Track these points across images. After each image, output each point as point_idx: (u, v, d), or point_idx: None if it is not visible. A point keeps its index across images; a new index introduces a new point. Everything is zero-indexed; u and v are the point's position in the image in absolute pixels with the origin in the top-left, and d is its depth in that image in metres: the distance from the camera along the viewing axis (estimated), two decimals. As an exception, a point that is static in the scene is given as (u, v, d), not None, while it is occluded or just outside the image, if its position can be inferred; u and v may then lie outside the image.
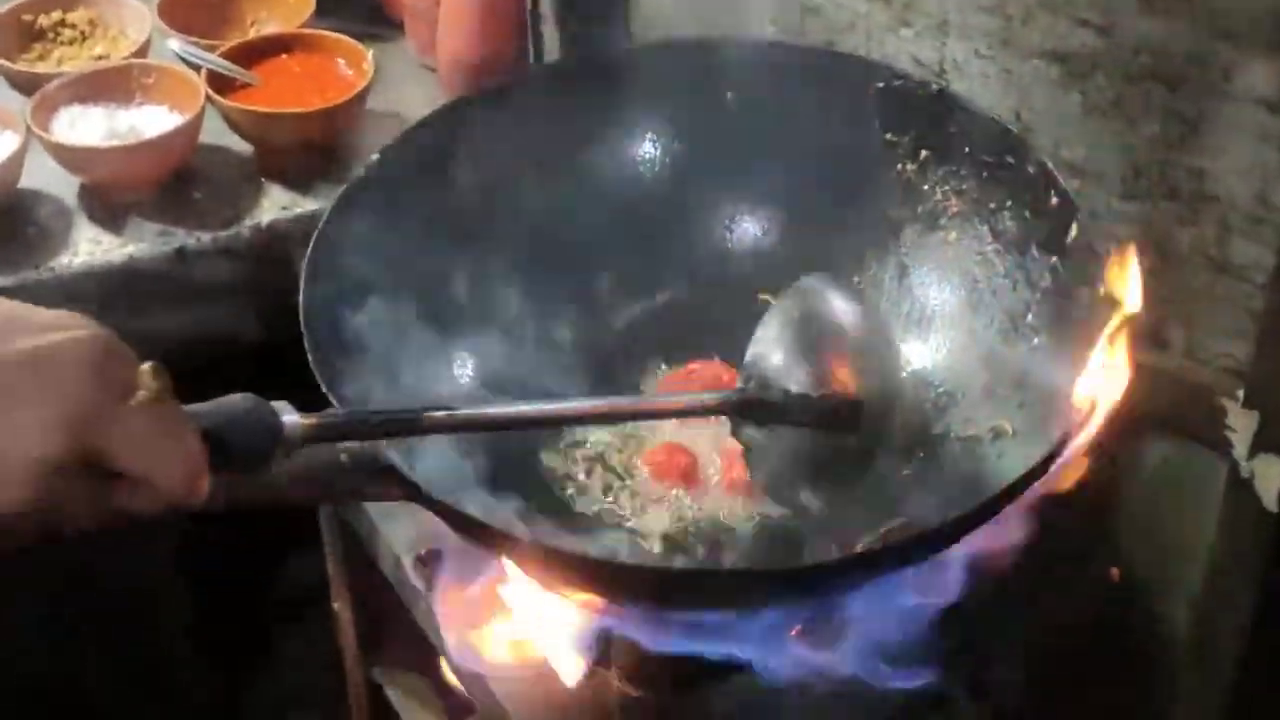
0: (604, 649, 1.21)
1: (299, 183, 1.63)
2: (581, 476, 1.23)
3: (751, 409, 1.10)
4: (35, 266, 1.52)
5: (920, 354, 1.24)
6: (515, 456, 1.21)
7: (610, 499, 1.21)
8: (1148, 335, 1.30)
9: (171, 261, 1.55)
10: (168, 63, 1.67)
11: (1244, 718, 1.35)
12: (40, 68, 1.71)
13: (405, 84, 1.75)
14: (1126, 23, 1.20)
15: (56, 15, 1.77)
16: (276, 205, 1.61)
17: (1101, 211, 1.28)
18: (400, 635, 1.35)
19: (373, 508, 1.28)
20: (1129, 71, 1.22)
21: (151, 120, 1.61)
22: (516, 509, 1.15)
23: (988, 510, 1.00)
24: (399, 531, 1.25)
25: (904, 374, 1.22)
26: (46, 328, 0.79)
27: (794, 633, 1.10)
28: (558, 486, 1.23)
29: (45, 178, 1.61)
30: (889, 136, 1.25)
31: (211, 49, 1.67)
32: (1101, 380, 1.05)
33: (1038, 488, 1.03)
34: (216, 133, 1.65)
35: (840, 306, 1.13)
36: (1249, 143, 1.18)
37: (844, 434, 1.09)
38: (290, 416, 0.87)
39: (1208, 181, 1.22)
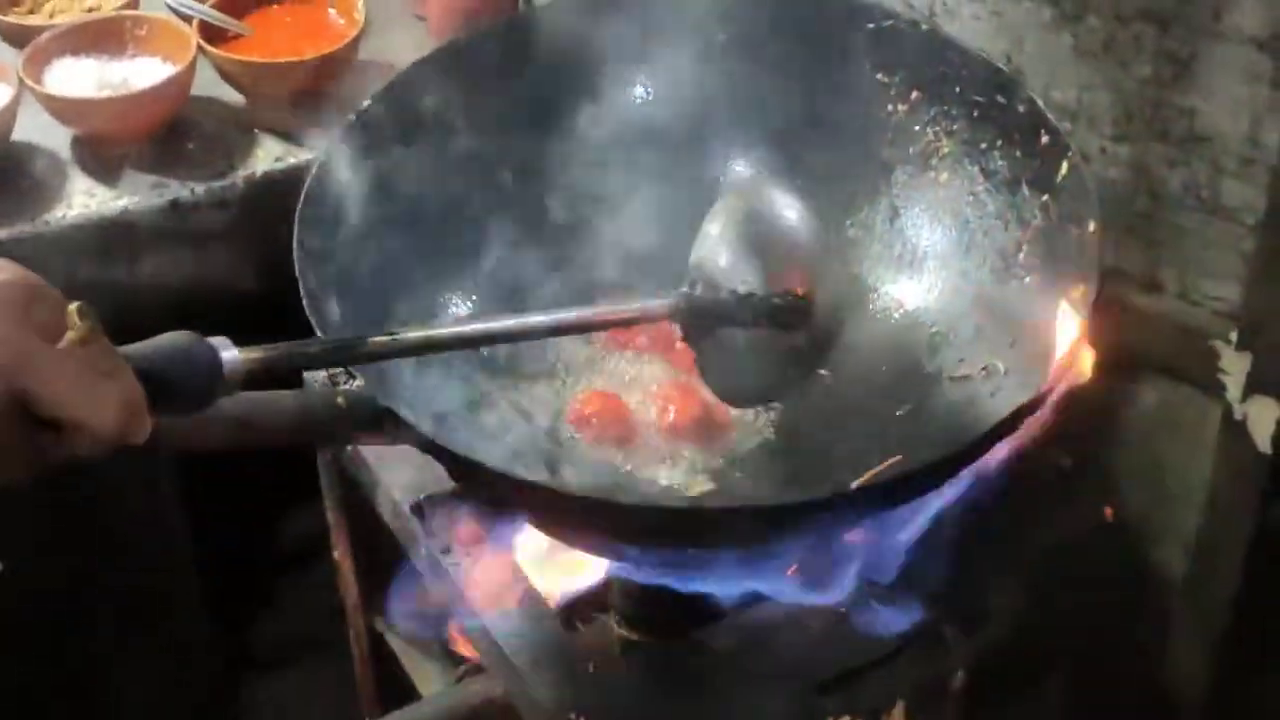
0: (603, 593, 1.22)
1: (291, 133, 1.63)
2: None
3: (700, 313, 1.08)
4: (30, 219, 1.52)
5: (912, 294, 1.24)
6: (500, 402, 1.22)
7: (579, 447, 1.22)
8: (1140, 278, 1.31)
9: (165, 213, 1.55)
10: (159, 14, 1.67)
11: (1238, 657, 1.36)
12: (32, 20, 1.71)
13: (396, 33, 1.75)
14: (1117, -37, 1.21)
15: (48, -33, 1.77)
16: (269, 155, 1.61)
17: (1093, 154, 1.29)
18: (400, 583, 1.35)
19: (372, 456, 1.28)
20: (1120, 12, 1.22)
21: (144, 71, 1.61)
22: (514, 452, 1.17)
23: (980, 447, 1.00)
24: (398, 479, 1.26)
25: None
26: None
27: (790, 571, 1.11)
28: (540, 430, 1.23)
29: (38, 130, 1.61)
30: (880, 77, 1.25)
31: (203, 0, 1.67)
32: (1089, 319, 1.05)
33: (1030, 425, 1.03)
34: (209, 84, 1.65)
35: (782, 202, 1.12)
36: (1239, 82, 1.18)
37: (794, 331, 1.08)
38: (229, 352, 0.85)
39: (1199, 121, 1.22)
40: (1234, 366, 1.25)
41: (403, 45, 1.70)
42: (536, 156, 1.26)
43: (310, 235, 1.10)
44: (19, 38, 1.65)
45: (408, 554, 1.26)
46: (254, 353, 0.87)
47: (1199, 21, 1.18)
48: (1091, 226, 1.08)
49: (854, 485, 1.01)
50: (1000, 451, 1.04)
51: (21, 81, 1.55)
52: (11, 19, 1.70)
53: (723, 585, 1.10)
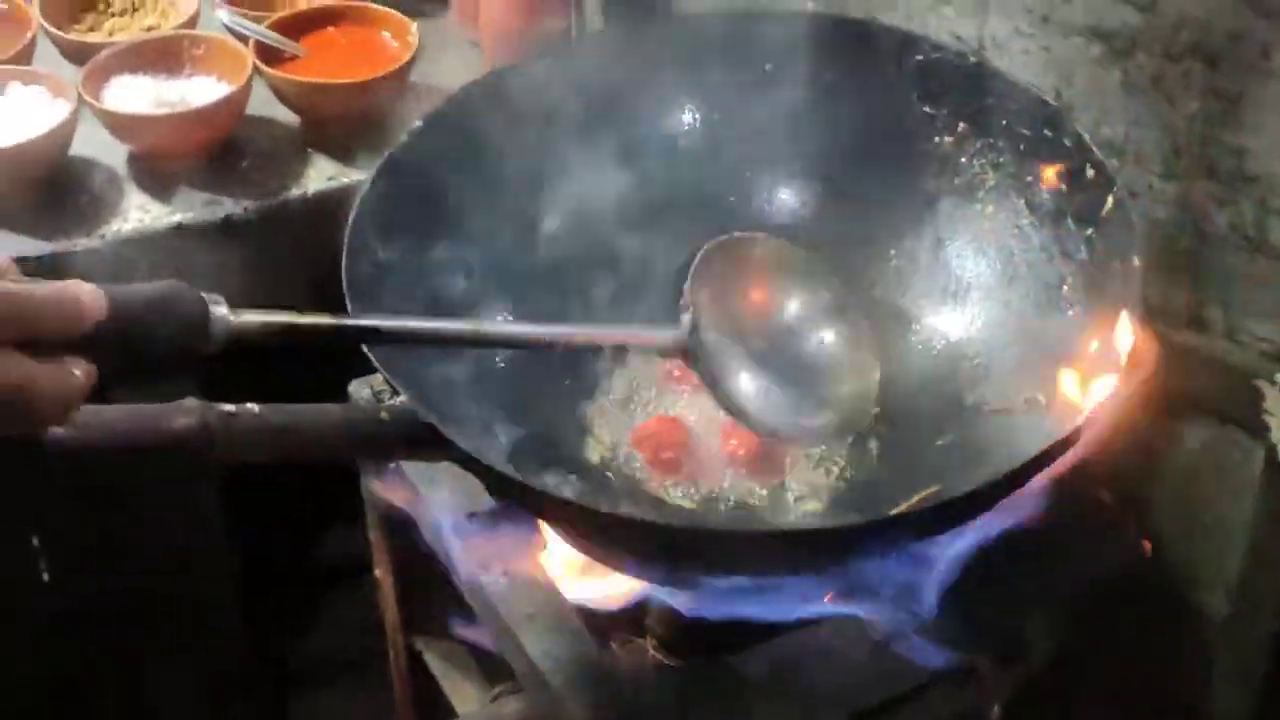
0: (639, 617, 1.22)
1: (344, 153, 1.65)
2: (610, 450, 1.24)
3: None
4: (86, 233, 1.55)
5: (955, 326, 1.25)
6: (554, 424, 1.23)
7: (637, 468, 1.22)
8: (1186, 316, 1.30)
9: (218, 229, 1.57)
10: (217, 34, 1.69)
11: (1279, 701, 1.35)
12: (92, 38, 1.74)
13: (449, 57, 1.77)
14: (1167, 0, 1.20)
15: (108, -14, 1.80)
16: (322, 175, 1.63)
17: (1141, 191, 1.29)
18: (441, 603, 1.36)
19: (414, 474, 1.29)
20: (1170, 49, 1.22)
21: (200, 90, 1.64)
22: (553, 473, 1.17)
23: (1019, 479, 1.00)
24: (441, 497, 1.26)
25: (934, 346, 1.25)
26: None
27: (827, 598, 1.11)
28: (594, 459, 1.24)
29: (96, 146, 1.63)
30: (926, 109, 1.25)
31: (259, 20, 1.69)
32: (1132, 354, 1.05)
33: (1069, 459, 1.03)
34: (264, 103, 1.67)
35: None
36: (1290, 121, 1.18)
37: None
38: (220, 309, 0.84)
39: (1247, 160, 1.22)
40: (1278, 408, 1.24)
41: (455, 69, 1.72)
42: (583, 180, 1.27)
43: (359, 254, 1.11)
44: (79, 55, 1.67)
45: (447, 572, 1.27)
46: (248, 315, 0.85)
47: (1248, 59, 1.18)
48: (1136, 261, 1.08)
49: (892, 513, 1.01)
50: (1039, 484, 1.04)
51: (80, 98, 1.58)
52: (72, 36, 1.72)
53: (761, 611, 1.10)
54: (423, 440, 1.01)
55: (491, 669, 1.44)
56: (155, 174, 1.62)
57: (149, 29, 1.75)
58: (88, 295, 0.78)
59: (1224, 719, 1.39)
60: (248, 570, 1.75)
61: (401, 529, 1.37)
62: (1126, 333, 1.05)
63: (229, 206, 1.58)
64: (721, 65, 1.29)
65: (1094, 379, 1.05)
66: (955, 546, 1.09)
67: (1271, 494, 1.27)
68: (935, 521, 1.02)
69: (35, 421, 0.79)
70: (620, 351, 1.22)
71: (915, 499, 1.09)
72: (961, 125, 1.24)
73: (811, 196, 1.31)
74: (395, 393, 1.04)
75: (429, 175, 1.20)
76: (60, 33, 1.71)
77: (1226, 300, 1.28)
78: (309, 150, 1.66)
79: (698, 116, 1.31)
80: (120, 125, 1.60)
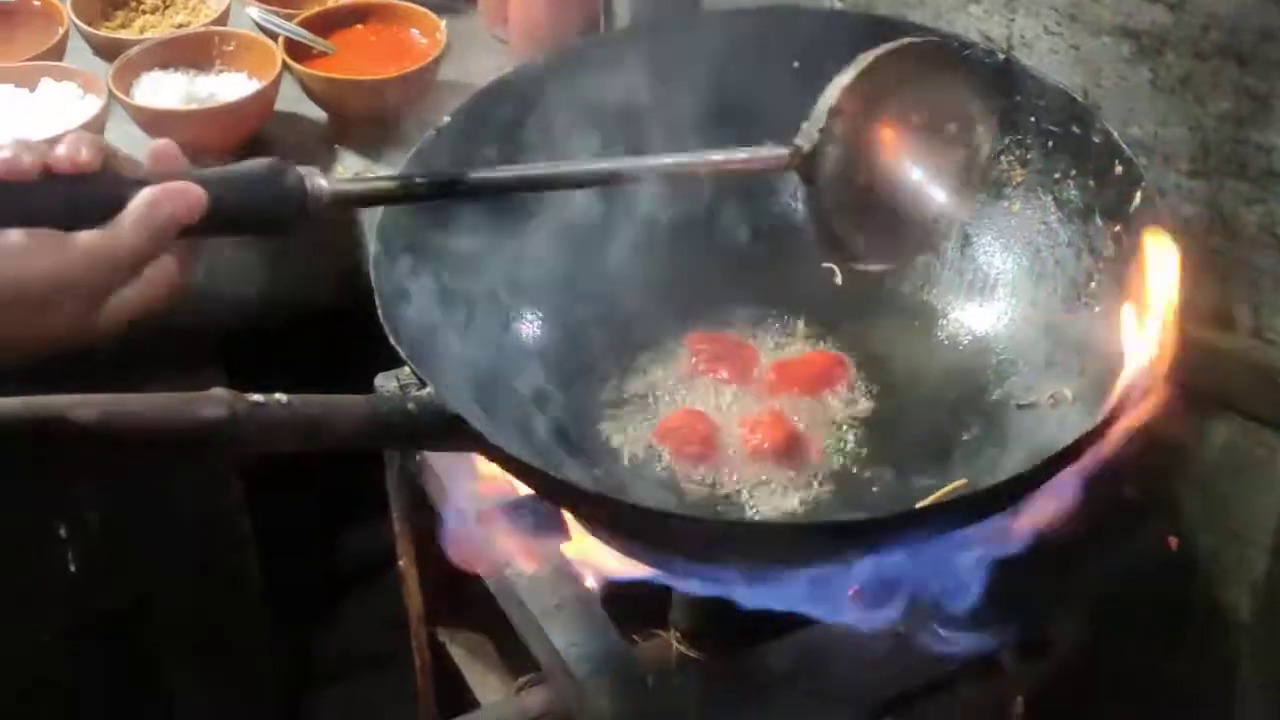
0: (663, 609, 1.23)
1: (371, 150, 1.66)
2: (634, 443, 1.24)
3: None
4: (115, 227, 1.55)
5: (982, 321, 1.25)
6: (577, 420, 1.23)
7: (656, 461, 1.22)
8: (1214, 315, 1.30)
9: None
10: (246, 30, 1.70)
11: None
12: (123, 34, 1.75)
13: (477, 54, 1.77)
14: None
15: (139, -17, 1.81)
16: (350, 171, 1.63)
17: (1169, 189, 1.28)
18: (465, 594, 1.37)
19: (440, 465, 1.29)
20: (1199, 48, 1.22)
21: (230, 86, 1.65)
22: (579, 465, 1.18)
23: (1044, 474, 1.00)
24: (466, 489, 1.27)
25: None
26: None
27: (851, 591, 1.11)
28: (619, 451, 1.24)
29: (126, 141, 1.61)
30: (955, 106, 1.25)
31: (289, 17, 1.70)
32: (1158, 350, 1.05)
33: (1097, 454, 1.03)
34: (292, 100, 1.68)
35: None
36: (1319, 119, 1.18)
37: None
38: (319, 179, 0.91)
39: (1276, 158, 1.21)
40: (1306, 407, 1.24)
41: (483, 66, 1.72)
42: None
43: (387, 246, 1.11)
44: (110, 51, 1.68)
45: (472, 563, 1.27)
46: (343, 183, 0.95)
47: (1278, 58, 1.17)
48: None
49: (918, 506, 1.01)
50: (1065, 479, 1.04)
51: (111, 93, 1.59)
52: (103, 33, 1.74)
53: (784, 603, 1.10)
54: (449, 432, 1.02)
55: (515, 660, 1.44)
56: (184, 169, 1.63)
57: (179, 25, 1.77)
58: (184, 211, 0.87)
59: (1249, 715, 1.38)
60: (272, 561, 1.76)
61: (427, 521, 1.38)
62: (1153, 330, 1.05)
63: (257, 201, 1.59)
64: (750, 62, 1.29)
65: (1120, 376, 1.05)
66: (981, 540, 1.09)
67: (1300, 494, 1.27)
68: (961, 515, 1.02)
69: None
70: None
71: (941, 493, 1.09)
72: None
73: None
74: (422, 385, 1.04)
75: (456, 170, 1.20)
76: (92, 29, 1.73)
77: (1254, 299, 1.28)
78: (337, 146, 1.67)
79: (724, 111, 1.31)
80: (150, 121, 1.61)
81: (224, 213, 0.88)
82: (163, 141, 0.90)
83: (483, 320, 1.20)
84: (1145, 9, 1.24)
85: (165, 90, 1.63)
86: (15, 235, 0.82)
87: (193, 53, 1.68)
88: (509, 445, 1.02)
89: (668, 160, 1.10)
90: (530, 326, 1.26)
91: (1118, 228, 1.15)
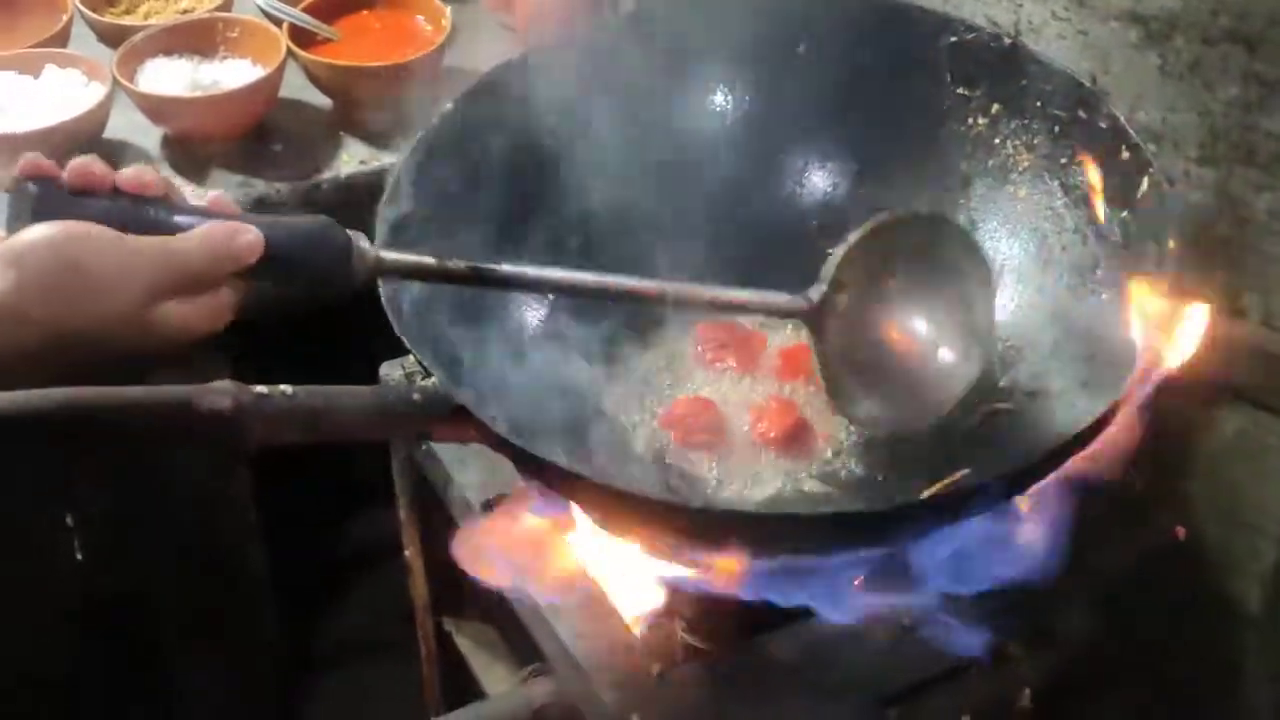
0: (668, 599, 1.22)
1: (377, 137, 1.65)
2: (640, 431, 1.24)
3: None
4: (119, 215, 1.55)
5: (988, 308, 1.24)
6: (582, 408, 1.23)
7: (663, 450, 1.22)
8: (1223, 303, 1.29)
9: (251, 211, 1.57)
10: (251, 16, 1.70)
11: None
12: (127, 20, 1.75)
13: (482, 41, 1.77)
14: (1206, -16, 1.20)
15: (143, -31, 1.81)
16: (354, 159, 1.63)
17: (1177, 176, 1.28)
18: (470, 585, 1.36)
19: (446, 455, 1.29)
20: (1207, 34, 1.21)
21: (234, 73, 1.64)
22: (583, 454, 1.17)
23: (1051, 462, 1.00)
24: (471, 478, 1.27)
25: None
26: None
27: (856, 583, 1.11)
28: (624, 440, 1.23)
29: (130, 129, 1.64)
30: (960, 90, 1.25)
31: (294, 4, 1.70)
32: (1167, 336, 1.04)
33: (1103, 443, 1.03)
34: (297, 87, 1.68)
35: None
36: (1329, 105, 1.17)
37: None
38: (365, 244, 0.94)
39: (1286, 145, 1.21)
40: (1317, 396, 1.23)
41: (489, 53, 1.70)
42: (615, 161, 1.26)
43: (391, 236, 1.11)
44: (114, 37, 1.68)
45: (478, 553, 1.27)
46: (389, 255, 0.96)
47: (1288, 43, 1.17)
48: (1171, 243, 1.07)
49: (921, 497, 1.01)
50: (1073, 468, 1.03)
51: (115, 80, 1.58)
52: (107, 19, 1.73)
53: (787, 595, 1.10)
54: (455, 422, 1.02)
55: (521, 650, 1.44)
56: (189, 156, 1.63)
57: (184, 12, 1.76)
58: (244, 246, 0.91)
59: (1257, 708, 1.38)
60: (278, 551, 1.76)
61: (433, 510, 1.38)
62: (1161, 315, 1.04)
63: (261, 189, 1.59)
64: (756, 46, 1.28)
65: (1127, 363, 1.04)
66: (987, 529, 1.09)
67: (1309, 484, 1.27)
68: (965, 505, 1.01)
69: (187, 345, 0.92)
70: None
71: (945, 482, 1.09)
72: (995, 106, 1.23)
73: (844, 178, 1.31)
74: (427, 374, 1.04)
75: (460, 158, 1.20)
76: (96, 15, 1.72)
77: (1264, 286, 1.27)
78: (341, 133, 1.67)
79: (730, 98, 1.31)
80: (154, 108, 1.61)
81: (277, 259, 0.92)
82: (218, 192, 0.94)
83: (491, 309, 1.20)
84: (1154, -7, 1.24)
85: (169, 77, 1.63)
86: (79, 225, 0.86)
87: (197, 39, 1.67)
88: (514, 436, 1.02)
89: (685, 289, 1.13)
90: (535, 313, 1.25)
91: (1124, 214, 1.14)
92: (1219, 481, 1.37)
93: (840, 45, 1.27)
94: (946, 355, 1.15)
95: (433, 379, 1.02)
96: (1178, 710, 1.45)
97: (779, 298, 1.13)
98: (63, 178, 0.90)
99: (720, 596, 1.13)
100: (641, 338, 1.28)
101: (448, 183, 1.18)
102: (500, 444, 1.02)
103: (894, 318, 1.14)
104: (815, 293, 1.11)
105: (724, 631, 1.19)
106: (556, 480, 1.06)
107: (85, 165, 0.90)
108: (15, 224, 0.90)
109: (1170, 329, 1.05)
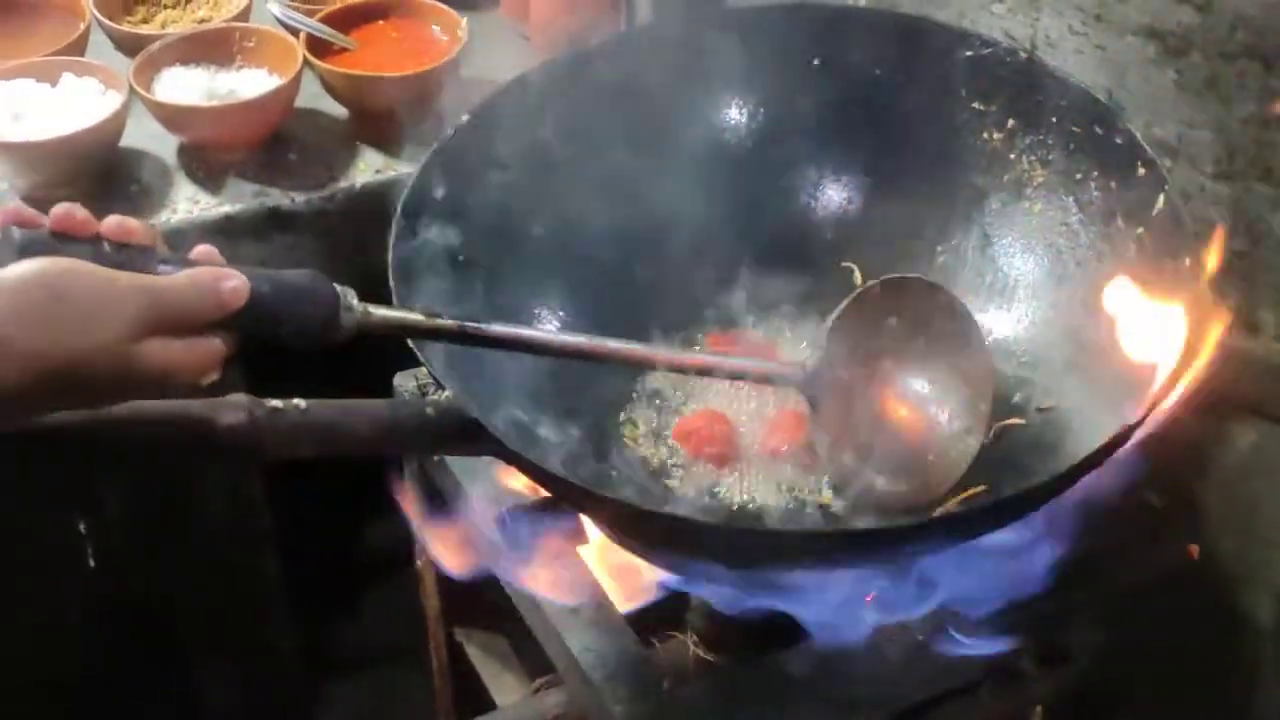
0: (680, 613, 1.22)
1: (392, 146, 1.66)
2: (652, 445, 1.24)
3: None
4: (135, 223, 1.56)
5: (1001, 323, 1.24)
6: (595, 422, 1.23)
7: (674, 463, 1.22)
8: (1238, 319, 1.29)
9: (267, 221, 1.58)
10: (268, 26, 1.70)
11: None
12: (144, 29, 1.75)
13: (498, 51, 1.77)
14: (1224, 0, 1.19)
15: (161, -22, 1.81)
16: (369, 167, 1.63)
17: (1193, 192, 1.27)
18: (482, 595, 1.36)
19: (457, 465, 1.29)
20: (1224, 50, 1.21)
21: (251, 82, 1.64)
22: (596, 468, 1.17)
23: (1065, 481, 0.99)
24: (482, 490, 1.27)
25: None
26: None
27: (867, 599, 1.11)
28: (636, 454, 1.24)
29: (147, 137, 1.65)
30: (976, 105, 1.24)
31: (310, 14, 1.70)
32: (1182, 355, 1.04)
33: (1118, 460, 1.02)
34: (313, 96, 1.68)
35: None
36: (1346, 122, 1.17)
37: None
38: (351, 299, 0.92)
39: (1301, 162, 1.21)
40: (1332, 411, 1.23)
41: (504, 63, 1.71)
42: (630, 174, 1.27)
43: (405, 245, 1.11)
44: (131, 46, 1.68)
45: (489, 565, 1.27)
46: (376, 310, 0.94)
47: (1306, 60, 1.17)
48: (1186, 261, 1.07)
49: (937, 513, 1.00)
50: (1087, 486, 1.03)
51: (132, 89, 1.59)
52: (124, 28, 1.74)
53: (802, 609, 1.10)
54: (467, 435, 1.02)
55: (532, 661, 1.44)
56: (205, 165, 1.63)
57: (201, 21, 1.76)
58: (228, 290, 0.88)
59: (1272, 724, 1.38)
60: (291, 561, 1.76)
61: (445, 520, 1.38)
62: (1176, 334, 1.04)
63: (277, 198, 1.59)
64: (770, 60, 1.28)
65: (1142, 380, 1.04)
66: (1002, 546, 1.09)
67: (1323, 497, 1.26)
68: (978, 523, 1.01)
69: (175, 394, 0.90)
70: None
71: (959, 499, 1.09)
72: (1011, 121, 1.23)
73: (858, 192, 1.31)
74: (440, 386, 1.04)
75: (475, 168, 1.20)
76: (113, 24, 1.72)
77: (1279, 303, 1.27)
78: (357, 143, 1.67)
79: (745, 111, 1.31)
80: (171, 117, 1.61)
81: (263, 309, 0.90)
82: (206, 246, 0.93)
83: (503, 318, 1.19)
84: (1172, 9, 1.23)
85: (186, 86, 1.63)
86: (65, 259, 0.86)
87: (214, 48, 1.68)
88: (526, 449, 1.02)
89: (677, 355, 1.16)
90: (548, 325, 1.25)
91: (1139, 231, 1.14)
92: (1234, 496, 1.37)
93: (855, 59, 1.27)
94: (945, 430, 1.14)
95: (446, 392, 1.02)
96: (1191, 721, 1.45)
97: (773, 367, 1.14)
98: (45, 224, 0.88)
99: (731, 610, 1.13)
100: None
101: (464, 191, 1.18)
102: (512, 458, 1.02)
103: (891, 389, 1.14)
104: (810, 361, 1.11)
105: (735, 645, 1.19)
106: (568, 493, 1.06)
107: (68, 211, 0.89)
108: None
109: (1185, 345, 1.04)
